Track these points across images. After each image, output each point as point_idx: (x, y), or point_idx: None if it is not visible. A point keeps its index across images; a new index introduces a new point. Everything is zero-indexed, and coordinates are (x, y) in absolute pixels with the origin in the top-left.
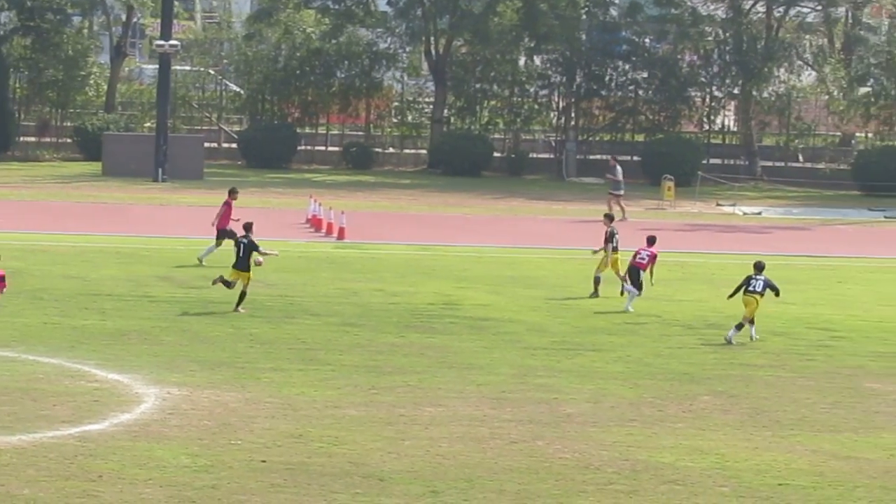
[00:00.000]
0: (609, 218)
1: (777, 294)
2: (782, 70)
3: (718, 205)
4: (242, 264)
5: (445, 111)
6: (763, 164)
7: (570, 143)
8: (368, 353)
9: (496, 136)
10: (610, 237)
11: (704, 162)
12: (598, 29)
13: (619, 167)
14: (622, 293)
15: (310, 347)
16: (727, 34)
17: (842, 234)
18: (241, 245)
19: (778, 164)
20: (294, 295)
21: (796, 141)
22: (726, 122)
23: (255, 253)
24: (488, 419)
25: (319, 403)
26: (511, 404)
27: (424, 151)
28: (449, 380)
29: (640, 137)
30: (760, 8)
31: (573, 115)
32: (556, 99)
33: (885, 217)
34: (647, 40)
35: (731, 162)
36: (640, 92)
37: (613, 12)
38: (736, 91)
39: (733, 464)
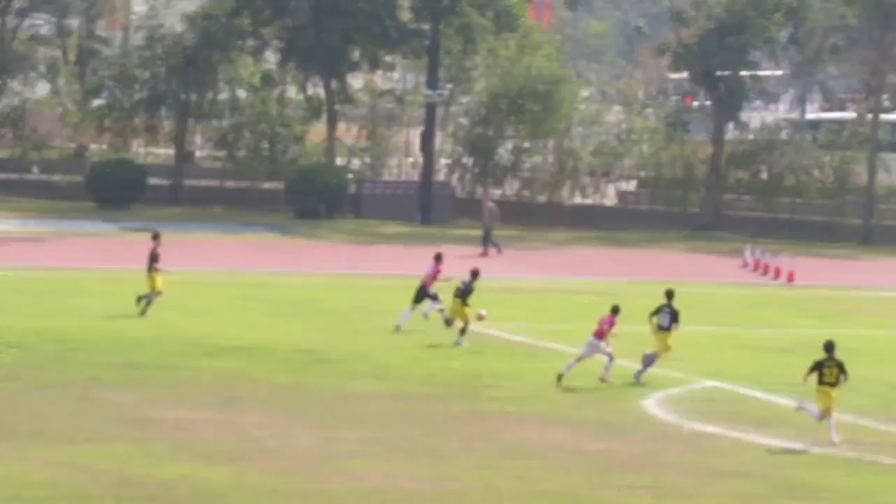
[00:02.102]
0: (155, 236)
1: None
2: (16, 82)
3: None
4: None
5: None
6: None
7: None
8: None
9: None
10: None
11: None
12: None
13: None
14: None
15: None
16: None
17: (76, 245)
18: None
19: (13, 176)
20: None
21: (31, 153)
22: None
23: None
24: None
25: None
26: None
27: None
28: None
29: None
30: None
31: None
32: None
33: (121, 228)
34: None
35: None
36: None
37: None
38: None
39: None
